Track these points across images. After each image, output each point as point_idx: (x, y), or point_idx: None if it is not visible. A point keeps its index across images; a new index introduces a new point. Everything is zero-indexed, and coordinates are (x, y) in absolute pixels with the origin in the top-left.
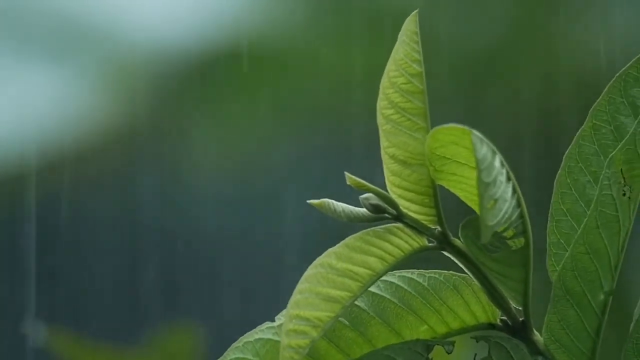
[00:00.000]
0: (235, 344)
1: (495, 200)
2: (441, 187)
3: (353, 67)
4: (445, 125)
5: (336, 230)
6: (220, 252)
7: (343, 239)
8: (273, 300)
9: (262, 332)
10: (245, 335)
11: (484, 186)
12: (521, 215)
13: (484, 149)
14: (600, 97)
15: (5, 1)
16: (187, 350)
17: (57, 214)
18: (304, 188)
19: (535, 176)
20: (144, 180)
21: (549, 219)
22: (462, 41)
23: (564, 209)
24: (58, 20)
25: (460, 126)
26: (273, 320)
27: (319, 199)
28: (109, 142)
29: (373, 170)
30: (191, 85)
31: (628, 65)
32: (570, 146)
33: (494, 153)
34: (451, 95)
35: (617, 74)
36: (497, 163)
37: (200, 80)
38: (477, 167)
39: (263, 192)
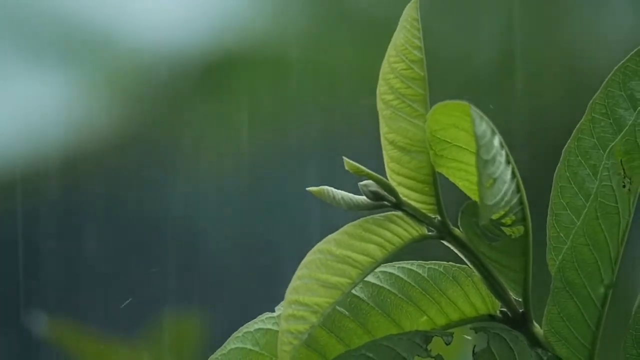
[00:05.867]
0: (235, 334)
1: (494, 180)
2: (441, 179)
3: (348, 70)
4: (445, 102)
5: None
6: (220, 247)
7: None
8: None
9: (262, 322)
10: (245, 325)
11: (482, 163)
12: (521, 202)
13: (484, 125)
14: (599, 90)
15: (8, 5)
16: (191, 337)
17: (60, 212)
18: (303, 187)
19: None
20: (146, 180)
21: (548, 212)
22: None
23: (564, 203)
24: (61, 25)
25: (459, 102)
26: (273, 311)
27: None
28: (111, 144)
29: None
30: (192, 87)
31: (626, 58)
32: (569, 140)
33: (493, 132)
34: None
35: (616, 67)
36: (496, 142)
37: (201, 83)
38: (476, 143)
39: (263, 190)
